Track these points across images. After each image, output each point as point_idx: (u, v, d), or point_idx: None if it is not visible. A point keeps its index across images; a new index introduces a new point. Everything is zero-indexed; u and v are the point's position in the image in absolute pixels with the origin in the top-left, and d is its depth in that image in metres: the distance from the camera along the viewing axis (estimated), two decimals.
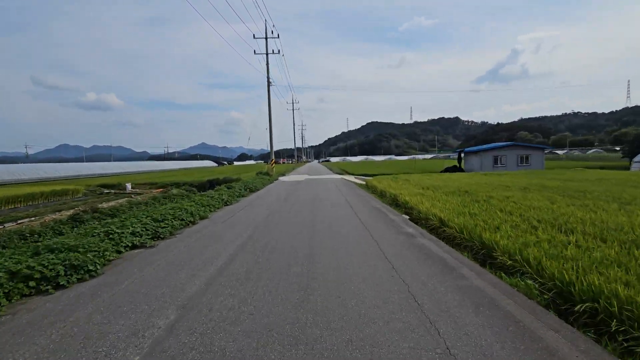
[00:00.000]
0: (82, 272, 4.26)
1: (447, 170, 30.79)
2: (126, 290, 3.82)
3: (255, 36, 28.70)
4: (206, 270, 4.46)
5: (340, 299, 3.45)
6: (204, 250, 5.50)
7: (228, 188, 14.47)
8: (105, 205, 13.80)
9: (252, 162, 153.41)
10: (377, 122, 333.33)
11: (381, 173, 28.36)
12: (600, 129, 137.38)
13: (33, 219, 11.83)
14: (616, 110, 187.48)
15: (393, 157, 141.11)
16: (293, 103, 64.40)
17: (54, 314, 3.27)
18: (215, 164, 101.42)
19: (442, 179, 17.57)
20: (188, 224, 7.71)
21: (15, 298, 3.62)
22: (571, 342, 2.59)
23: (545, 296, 3.46)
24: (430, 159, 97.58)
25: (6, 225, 10.56)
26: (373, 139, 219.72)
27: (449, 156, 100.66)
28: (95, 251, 4.86)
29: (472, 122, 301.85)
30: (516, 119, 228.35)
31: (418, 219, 7.98)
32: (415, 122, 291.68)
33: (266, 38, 28.74)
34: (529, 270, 4.06)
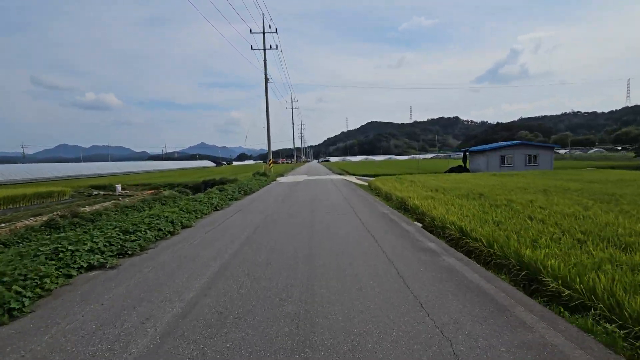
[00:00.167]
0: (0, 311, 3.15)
1: (452, 170, 29.70)
2: (48, 345, 2.68)
3: (252, 31, 27.61)
4: (170, 307, 3.33)
5: None
6: (176, 272, 4.36)
7: (220, 191, 13.34)
8: (88, 209, 12.67)
9: (251, 162, 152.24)
10: (376, 121, 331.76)
11: (383, 173, 27.39)
12: (600, 129, 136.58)
13: (3, 225, 10.69)
14: (616, 110, 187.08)
15: (393, 156, 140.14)
16: (292, 102, 63.23)
17: None
18: (214, 164, 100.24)
19: (450, 180, 16.50)
20: (166, 235, 6.58)
21: None
22: None
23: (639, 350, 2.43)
24: (431, 158, 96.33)
25: None
26: (373, 138, 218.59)
27: (450, 156, 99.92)
28: (31, 279, 3.75)
29: (472, 121, 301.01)
30: (516, 119, 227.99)
31: (433, 227, 6.95)
32: (415, 122, 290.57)
33: (263, 33, 27.63)
34: (598, 304, 3.07)
